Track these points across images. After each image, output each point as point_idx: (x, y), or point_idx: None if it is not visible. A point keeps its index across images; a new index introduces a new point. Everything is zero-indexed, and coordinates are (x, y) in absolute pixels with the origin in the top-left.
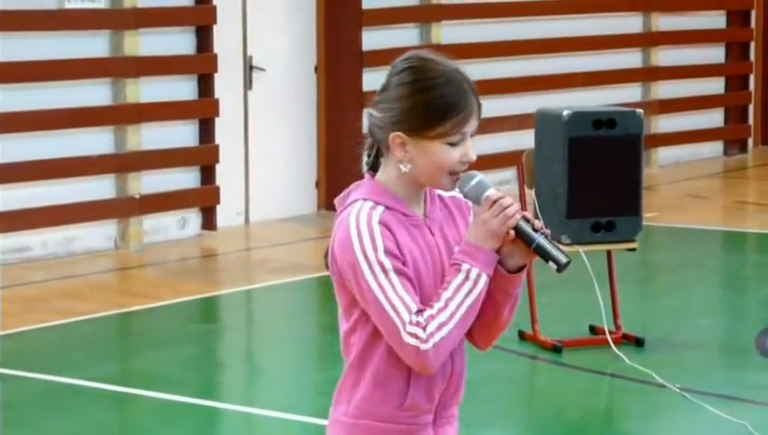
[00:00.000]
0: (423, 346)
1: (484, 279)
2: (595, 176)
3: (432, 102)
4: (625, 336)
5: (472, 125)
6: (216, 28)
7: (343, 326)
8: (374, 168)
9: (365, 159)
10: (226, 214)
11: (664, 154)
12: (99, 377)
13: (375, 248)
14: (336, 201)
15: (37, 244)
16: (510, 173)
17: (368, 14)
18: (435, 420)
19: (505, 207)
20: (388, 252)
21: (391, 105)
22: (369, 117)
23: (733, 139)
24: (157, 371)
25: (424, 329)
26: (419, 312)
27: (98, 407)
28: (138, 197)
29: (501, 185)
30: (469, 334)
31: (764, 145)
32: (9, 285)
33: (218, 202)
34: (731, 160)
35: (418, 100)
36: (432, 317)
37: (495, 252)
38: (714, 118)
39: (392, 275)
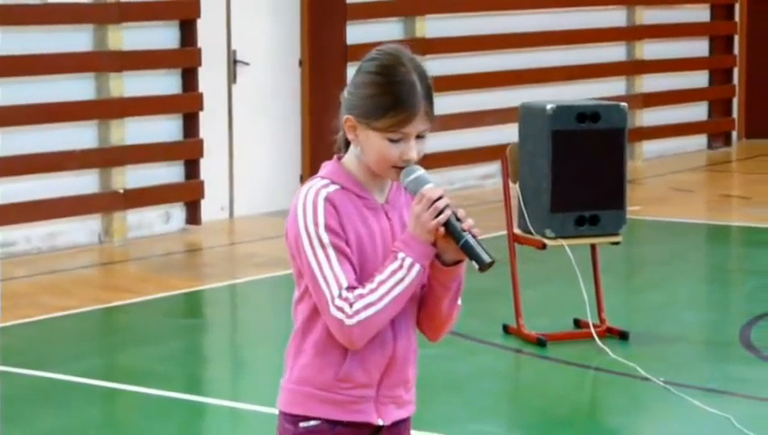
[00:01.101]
0: (347, 321)
1: (416, 269)
2: (579, 170)
3: (380, 95)
4: (609, 330)
5: (415, 127)
6: (199, 22)
7: (295, 294)
8: (346, 148)
9: (339, 135)
10: (211, 208)
11: (648, 148)
12: (83, 372)
13: (316, 224)
14: None
15: (21, 239)
16: (494, 167)
17: (352, 7)
18: (377, 398)
19: (434, 202)
20: (328, 228)
21: (352, 90)
22: (341, 99)
23: (717, 132)
24: (141, 366)
25: (351, 305)
26: (350, 288)
27: (82, 402)
28: (122, 191)
29: (485, 179)
30: (419, 324)
31: (748, 138)
32: None
33: (203, 197)
34: (715, 154)
35: (370, 91)
36: (361, 296)
37: (432, 245)
38: (698, 111)
39: (330, 251)
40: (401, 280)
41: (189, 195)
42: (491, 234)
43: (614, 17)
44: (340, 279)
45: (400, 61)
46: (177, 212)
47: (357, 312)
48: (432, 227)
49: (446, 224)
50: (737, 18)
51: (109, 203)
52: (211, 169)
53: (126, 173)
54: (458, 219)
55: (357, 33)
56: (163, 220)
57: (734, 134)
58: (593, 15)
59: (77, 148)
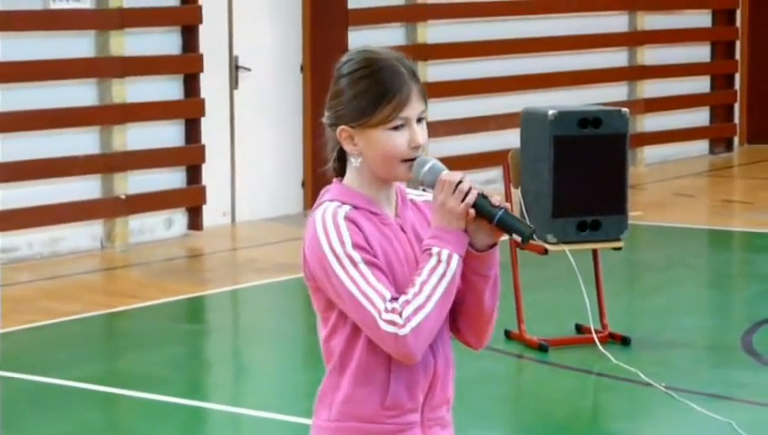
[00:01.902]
0: (401, 332)
1: (456, 259)
2: (581, 175)
3: (367, 89)
4: (611, 335)
5: (414, 109)
6: (201, 28)
7: (322, 332)
8: (340, 172)
9: (330, 163)
10: (213, 214)
11: (650, 153)
12: (85, 377)
13: (342, 243)
14: (311, 211)
15: (23, 244)
16: (496, 172)
17: (354, 13)
18: (422, 422)
19: (457, 184)
20: (356, 245)
21: (333, 101)
22: (324, 119)
23: (718, 137)
24: (143, 371)
25: (400, 314)
26: (394, 299)
27: (85, 407)
28: (124, 197)
29: (487, 184)
30: (459, 333)
31: (750, 144)
32: None
33: (204, 202)
34: (717, 159)
35: (355, 89)
36: (407, 302)
37: (464, 232)
38: (699, 116)
39: (362, 267)
40: (443, 275)
41: (191, 200)
42: None
43: (616, 23)
44: (382, 292)
45: (373, 52)
46: (179, 217)
47: (408, 319)
48: (461, 211)
49: (475, 205)
50: (739, 24)
51: (111, 208)
52: (213, 174)
53: (128, 179)
54: (485, 197)
55: (358, 38)
56: (165, 226)
57: (736, 139)
58: (595, 21)
59: (79, 153)
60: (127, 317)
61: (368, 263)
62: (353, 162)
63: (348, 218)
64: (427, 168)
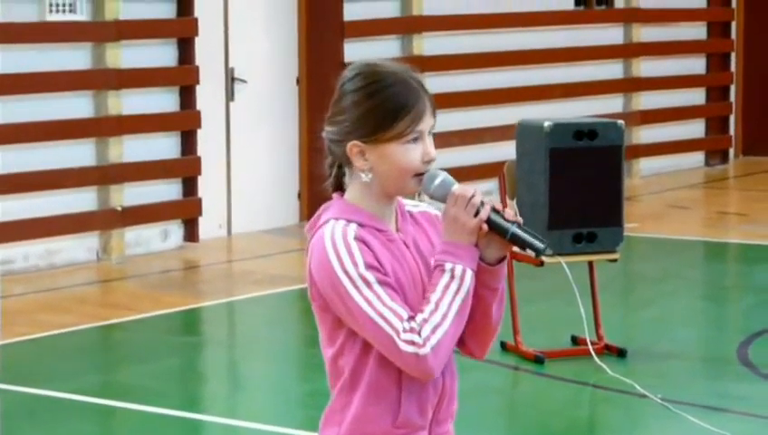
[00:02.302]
0: (421, 351)
1: (469, 275)
2: (576, 187)
3: (383, 104)
4: (607, 347)
5: (427, 123)
6: (197, 40)
7: (329, 352)
8: (339, 187)
9: (329, 179)
10: (208, 226)
11: (645, 165)
12: (81, 389)
13: (355, 264)
14: (306, 228)
15: (19, 256)
16: (491, 184)
17: (350, 25)
18: None
19: (470, 199)
20: (369, 266)
21: (342, 116)
22: (325, 134)
23: (714, 149)
24: (139, 383)
25: (419, 334)
26: (411, 318)
27: (80, 419)
28: (119, 209)
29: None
30: (463, 344)
31: (745, 155)
32: None
33: (200, 214)
34: (712, 171)
35: (369, 104)
36: (425, 321)
37: (475, 246)
38: (695, 128)
39: (377, 288)
40: (458, 291)
41: (187, 212)
42: None
43: (611, 35)
44: (399, 312)
45: (382, 66)
46: (175, 229)
47: (427, 338)
48: (474, 226)
49: (488, 220)
50: (734, 36)
51: (107, 220)
52: (209, 186)
53: (124, 191)
54: (497, 211)
55: (354, 50)
56: (161, 238)
57: (731, 151)
58: (590, 33)
59: (75, 165)
60: (123, 329)
61: (381, 283)
62: (363, 177)
63: (357, 238)
64: (438, 181)
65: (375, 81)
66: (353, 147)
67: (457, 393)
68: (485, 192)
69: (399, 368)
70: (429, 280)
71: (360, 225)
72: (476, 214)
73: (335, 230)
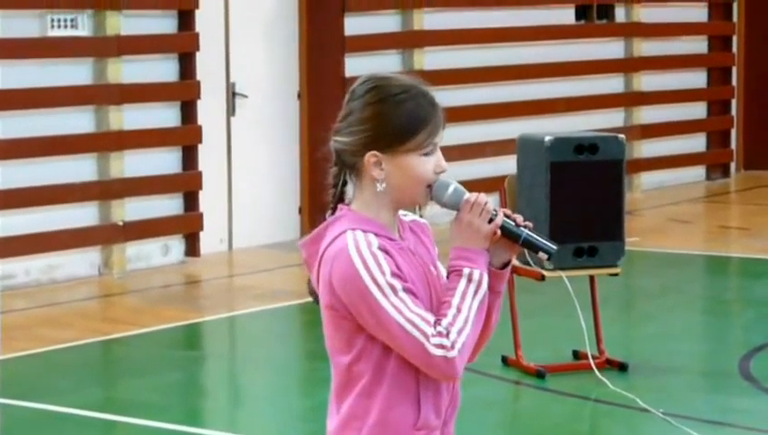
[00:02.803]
0: (450, 354)
1: (485, 278)
2: (577, 201)
3: (404, 116)
4: (608, 361)
5: (441, 135)
6: (198, 55)
7: (344, 359)
8: (341, 199)
9: (332, 190)
10: (210, 240)
11: (646, 179)
12: (82, 404)
13: (383, 273)
14: (306, 240)
15: (20, 271)
16: (492, 199)
17: (350, 40)
18: None
19: (484, 206)
20: (393, 274)
21: (361, 127)
22: (334, 145)
23: (715, 163)
24: (140, 398)
25: (447, 337)
26: (437, 322)
27: (81, 434)
28: (121, 223)
29: None
30: None
31: (747, 170)
32: None
33: (201, 229)
34: (713, 185)
35: (390, 116)
36: (451, 325)
37: (486, 251)
38: (696, 142)
39: (403, 295)
40: (476, 294)
41: (188, 227)
42: None
43: (612, 49)
44: (426, 317)
45: (398, 80)
46: (176, 244)
47: (455, 341)
48: (489, 232)
49: (502, 226)
50: (735, 49)
51: (108, 235)
52: (210, 201)
53: (125, 205)
54: (508, 217)
55: (355, 65)
56: (162, 252)
57: (733, 165)
58: (591, 47)
59: (76, 180)
60: (124, 344)
61: (406, 290)
62: (378, 187)
63: (381, 248)
64: (451, 190)
65: (396, 93)
66: (371, 157)
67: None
68: None
69: (417, 371)
70: (441, 285)
71: (375, 235)
72: (490, 220)
73: (358, 239)
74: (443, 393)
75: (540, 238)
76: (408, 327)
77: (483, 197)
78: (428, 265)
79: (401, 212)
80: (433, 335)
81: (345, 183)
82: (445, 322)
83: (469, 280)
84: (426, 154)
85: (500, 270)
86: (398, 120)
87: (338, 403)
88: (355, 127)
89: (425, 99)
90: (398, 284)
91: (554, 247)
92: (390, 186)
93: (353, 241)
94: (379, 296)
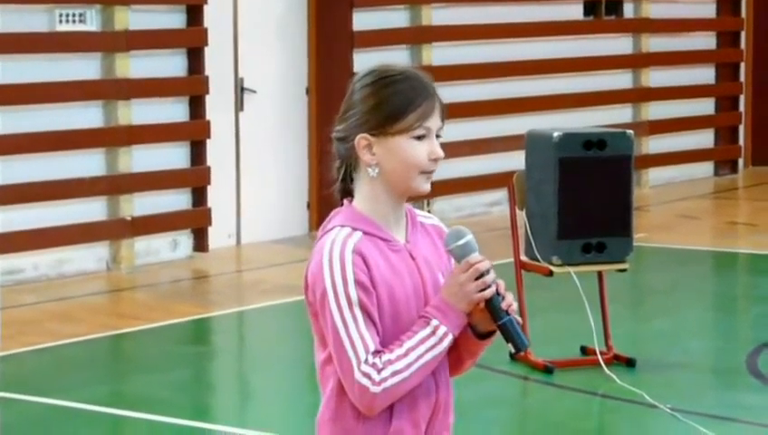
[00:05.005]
0: (372, 388)
1: (449, 339)
2: (586, 197)
3: (393, 96)
4: (616, 357)
5: (435, 122)
6: (207, 50)
7: (319, 356)
8: (347, 193)
9: (336, 185)
10: (218, 235)
11: (654, 175)
12: (91, 399)
13: (345, 280)
14: (318, 234)
15: (29, 266)
16: (500, 194)
17: (359, 35)
18: None
19: (482, 274)
20: (358, 283)
21: (353, 110)
22: (333, 134)
23: (723, 159)
24: (149, 393)
25: (378, 372)
26: (377, 353)
27: (90, 429)
28: (129, 218)
29: (492, 206)
30: None
31: (755, 165)
32: (1, 308)
33: (210, 224)
34: (722, 181)
35: (379, 96)
36: (390, 362)
37: (465, 314)
38: (704, 138)
39: (356, 310)
40: (432, 348)
41: (196, 222)
42: (498, 261)
43: (620, 45)
44: (367, 342)
45: (393, 66)
46: (185, 239)
47: (384, 379)
48: (475, 299)
49: (489, 300)
50: (743, 45)
51: (116, 230)
52: (218, 196)
53: (133, 200)
54: (499, 295)
55: (364, 60)
56: (170, 247)
57: (741, 161)
58: (600, 43)
59: (85, 175)
60: (132, 339)
61: (362, 307)
62: (370, 172)
63: (356, 251)
64: (462, 242)
65: (385, 76)
66: (361, 139)
67: (453, 405)
68: (494, 202)
69: None
70: (426, 299)
71: (366, 233)
72: (483, 290)
73: (336, 240)
74: (420, 406)
75: (517, 330)
76: (347, 344)
77: (486, 264)
78: (436, 271)
79: (421, 214)
80: (365, 363)
81: (352, 179)
82: (386, 357)
83: (433, 332)
84: (418, 138)
85: (480, 340)
86: (387, 100)
87: (323, 399)
88: (347, 112)
89: (417, 81)
90: (355, 296)
91: (526, 345)
92: (383, 171)
93: (332, 240)
94: (332, 302)
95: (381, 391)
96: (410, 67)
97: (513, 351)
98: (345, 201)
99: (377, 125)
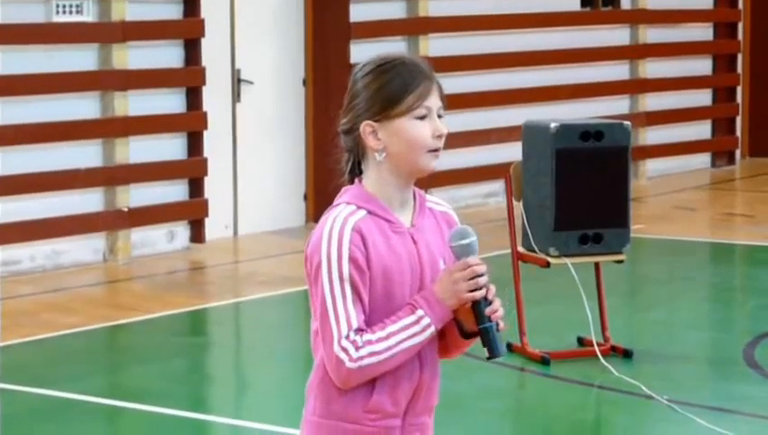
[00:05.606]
0: (348, 364)
1: (431, 330)
2: (583, 188)
3: (391, 81)
4: (613, 348)
5: (434, 102)
6: (203, 41)
7: (313, 325)
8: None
9: (345, 177)
10: (215, 227)
11: (652, 166)
12: (87, 390)
13: (340, 255)
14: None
15: (25, 257)
16: (497, 185)
17: (356, 27)
18: (403, 426)
19: (477, 276)
20: (352, 260)
21: (356, 100)
22: (340, 129)
23: (720, 150)
24: (145, 384)
25: (357, 349)
26: (360, 331)
27: (86, 420)
28: (126, 210)
29: (489, 197)
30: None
31: (752, 157)
32: None
33: (206, 215)
34: (718, 172)
35: (378, 82)
36: (369, 343)
37: (451, 311)
38: (701, 130)
39: (346, 286)
40: (413, 336)
41: (193, 213)
42: (495, 252)
43: (617, 36)
44: (351, 319)
45: (390, 54)
46: (182, 230)
47: (361, 357)
48: (464, 299)
49: (476, 303)
50: (740, 37)
51: (113, 221)
52: (215, 187)
53: (130, 192)
54: (487, 300)
55: (361, 52)
56: (167, 239)
57: (738, 153)
58: (597, 34)
59: (81, 166)
60: (129, 330)
61: (353, 284)
62: (377, 157)
63: (355, 229)
64: (465, 242)
65: (383, 63)
66: (366, 126)
67: (438, 388)
68: (491, 193)
69: None
70: (423, 283)
71: (370, 212)
72: (473, 291)
73: (339, 215)
74: (403, 384)
75: (495, 338)
76: (332, 317)
77: (482, 268)
78: (437, 257)
79: (433, 199)
80: (345, 338)
81: (361, 171)
82: (366, 337)
83: (417, 321)
84: (419, 118)
85: (464, 338)
86: (386, 85)
87: (314, 366)
88: (350, 104)
89: (413, 65)
90: (347, 272)
91: (502, 354)
92: (390, 154)
93: (334, 215)
94: (324, 277)
95: (357, 368)
96: (408, 54)
97: (487, 356)
98: (356, 180)
99: (379, 110)
